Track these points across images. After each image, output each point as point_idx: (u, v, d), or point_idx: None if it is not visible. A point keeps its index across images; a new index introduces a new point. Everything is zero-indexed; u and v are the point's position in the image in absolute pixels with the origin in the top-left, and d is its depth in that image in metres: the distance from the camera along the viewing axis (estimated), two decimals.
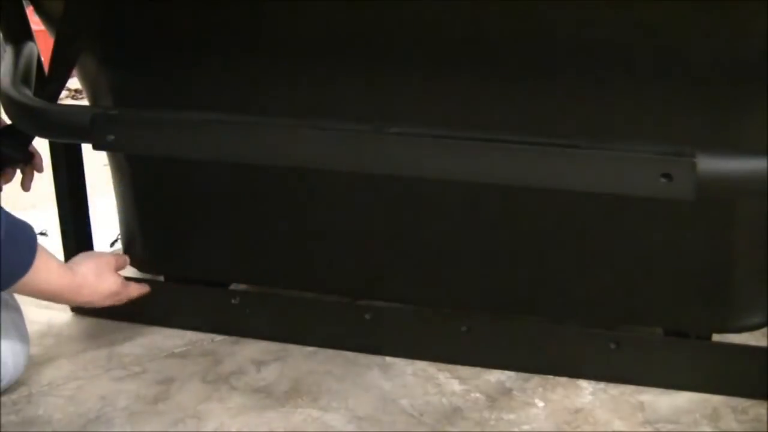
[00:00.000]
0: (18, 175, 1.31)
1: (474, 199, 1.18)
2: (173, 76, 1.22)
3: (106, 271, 1.18)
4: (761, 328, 1.21)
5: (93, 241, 1.41)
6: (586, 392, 1.19)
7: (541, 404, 1.16)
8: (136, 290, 1.24)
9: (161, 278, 1.40)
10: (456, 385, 1.21)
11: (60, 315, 1.42)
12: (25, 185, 1.31)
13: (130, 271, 1.36)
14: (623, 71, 1.04)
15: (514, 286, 1.23)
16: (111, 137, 1.09)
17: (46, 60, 1.25)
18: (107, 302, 1.19)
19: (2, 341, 1.15)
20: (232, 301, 1.33)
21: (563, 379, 1.22)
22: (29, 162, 1.30)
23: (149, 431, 1.11)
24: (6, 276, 1.01)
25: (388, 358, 1.27)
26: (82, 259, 1.18)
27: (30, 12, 1.33)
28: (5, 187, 1.29)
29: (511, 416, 1.14)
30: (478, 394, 1.19)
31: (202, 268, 1.36)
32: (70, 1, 1.17)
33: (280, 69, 1.17)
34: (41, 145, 1.30)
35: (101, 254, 1.23)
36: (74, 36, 1.20)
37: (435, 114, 1.13)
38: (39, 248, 1.04)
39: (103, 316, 1.39)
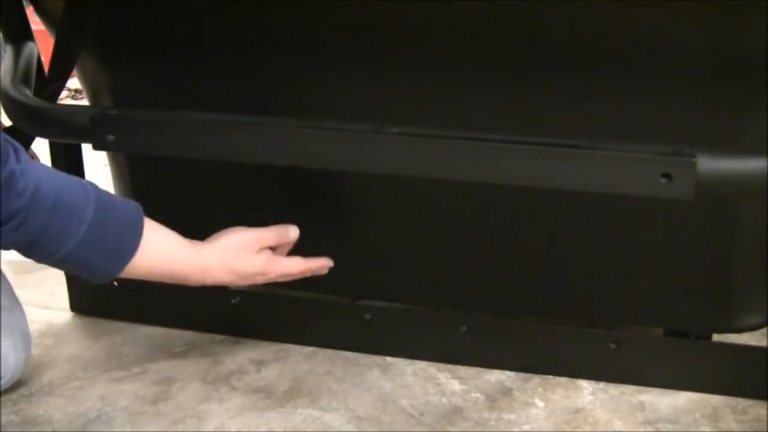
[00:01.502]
0: None
1: (473, 199, 1.18)
2: (173, 76, 1.22)
3: (245, 249, 1.06)
4: (761, 328, 1.21)
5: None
6: (586, 392, 1.19)
7: (541, 404, 1.17)
8: (297, 266, 1.10)
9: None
10: (456, 385, 1.21)
11: (60, 315, 1.42)
12: None
13: None
14: (623, 71, 1.04)
15: (514, 286, 1.23)
16: (111, 137, 1.09)
17: (46, 60, 1.25)
18: (252, 282, 1.08)
19: (3, 339, 1.15)
20: (232, 301, 1.33)
21: (563, 379, 1.22)
22: None
23: (149, 431, 1.11)
24: (112, 258, 0.94)
25: (388, 358, 1.27)
26: (219, 236, 1.06)
27: (30, 12, 1.33)
28: None
29: (511, 416, 1.14)
30: (478, 394, 1.19)
31: None
32: (70, 1, 1.17)
33: (280, 68, 1.17)
34: (41, 147, 1.30)
35: (246, 230, 1.08)
36: (74, 36, 1.20)
37: (435, 114, 1.13)
38: (147, 223, 0.96)
39: (103, 316, 1.40)
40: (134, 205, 0.98)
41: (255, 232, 1.08)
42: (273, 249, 1.12)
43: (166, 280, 1.02)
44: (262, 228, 1.10)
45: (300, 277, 1.12)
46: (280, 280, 1.11)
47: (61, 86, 1.23)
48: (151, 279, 1.01)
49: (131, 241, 0.95)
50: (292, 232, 1.12)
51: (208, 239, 1.07)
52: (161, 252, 0.99)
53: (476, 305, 1.28)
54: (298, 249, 1.30)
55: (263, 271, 1.08)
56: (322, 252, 1.29)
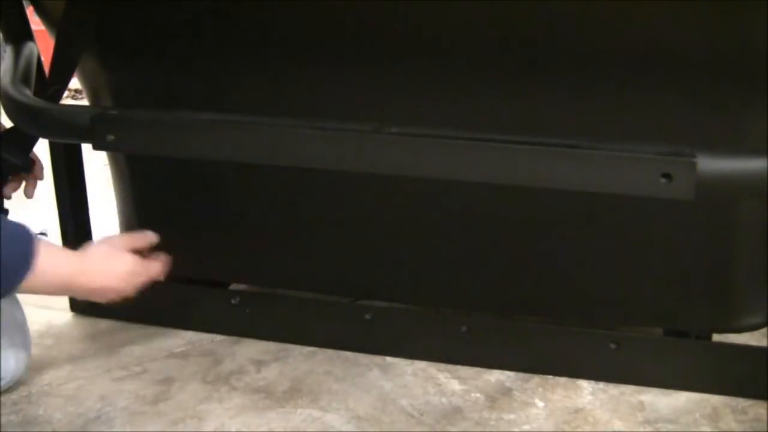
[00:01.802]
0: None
1: (473, 199, 1.18)
2: (173, 76, 1.22)
3: (117, 252, 1.12)
4: (761, 328, 1.21)
5: (93, 241, 1.41)
6: (586, 392, 1.19)
7: (541, 404, 1.16)
8: (159, 267, 1.17)
9: (161, 278, 1.40)
10: (456, 385, 1.21)
11: (60, 315, 1.42)
12: (28, 193, 1.29)
13: None
14: (624, 71, 1.04)
15: (515, 286, 1.23)
16: (111, 137, 1.09)
17: (46, 60, 1.25)
18: (129, 284, 1.13)
19: (4, 340, 1.15)
20: (232, 301, 1.33)
21: (563, 379, 1.22)
22: (30, 170, 1.28)
23: (149, 431, 1.11)
24: (9, 276, 0.98)
25: (388, 358, 1.27)
26: (92, 245, 1.13)
27: (30, 12, 1.33)
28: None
29: (511, 416, 1.14)
30: (478, 394, 1.19)
31: (202, 268, 1.36)
32: (70, 1, 1.17)
33: (280, 69, 1.17)
34: (41, 149, 1.30)
35: (112, 236, 1.18)
36: (74, 36, 1.20)
37: (435, 114, 1.13)
38: (38, 242, 1.00)
39: (103, 316, 1.40)
40: (23, 225, 1.01)
41: (121, 237, 1.20)
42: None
43: (57, 292, 1.08)
44: (126, 233, 1.21)
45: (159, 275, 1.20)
46: (147, 280, 1.16)
47: (63, 88, 1.23)
48: (44, 292, 1.04)
49: (27, 257, 0.99)
50: (150, 237, 1.20)
51: (84, 248, 1.11)
52: (53, 263, 1.02)
53: (476, 305, 1.28)
54: (300, 248, 1.30)
55: (134, 270, 1.13)
56: (322, 251, 1.29)
